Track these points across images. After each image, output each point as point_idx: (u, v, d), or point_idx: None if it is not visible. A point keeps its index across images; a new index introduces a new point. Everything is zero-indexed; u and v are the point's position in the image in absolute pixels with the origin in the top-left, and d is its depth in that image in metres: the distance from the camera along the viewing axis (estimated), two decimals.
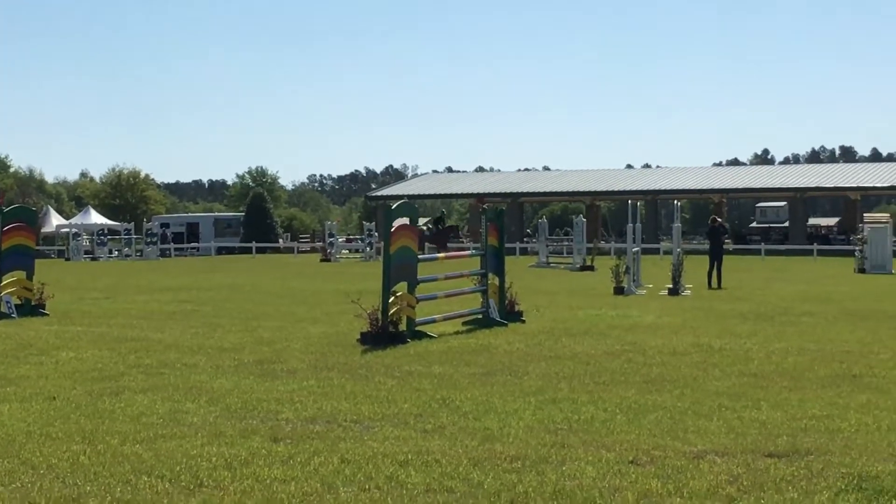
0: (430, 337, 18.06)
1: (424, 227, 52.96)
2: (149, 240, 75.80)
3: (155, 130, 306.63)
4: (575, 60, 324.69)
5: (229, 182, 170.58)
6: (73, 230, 75.25)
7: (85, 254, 72.64)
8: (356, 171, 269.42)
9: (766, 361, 15.03)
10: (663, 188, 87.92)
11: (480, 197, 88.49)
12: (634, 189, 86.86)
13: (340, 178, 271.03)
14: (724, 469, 8.26)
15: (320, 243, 77.28)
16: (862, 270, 46.01)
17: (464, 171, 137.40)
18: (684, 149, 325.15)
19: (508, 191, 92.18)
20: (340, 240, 77.66)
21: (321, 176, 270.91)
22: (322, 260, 64.57)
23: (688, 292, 30.39)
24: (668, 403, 11.49)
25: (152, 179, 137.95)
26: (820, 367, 14.34)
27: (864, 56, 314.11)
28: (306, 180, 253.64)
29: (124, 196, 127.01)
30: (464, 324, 20.34)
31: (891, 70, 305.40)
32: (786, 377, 13.49)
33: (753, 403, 11.44)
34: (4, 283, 23.42)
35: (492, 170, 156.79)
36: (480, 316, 20.78)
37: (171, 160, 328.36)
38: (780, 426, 10.12)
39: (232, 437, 9.74)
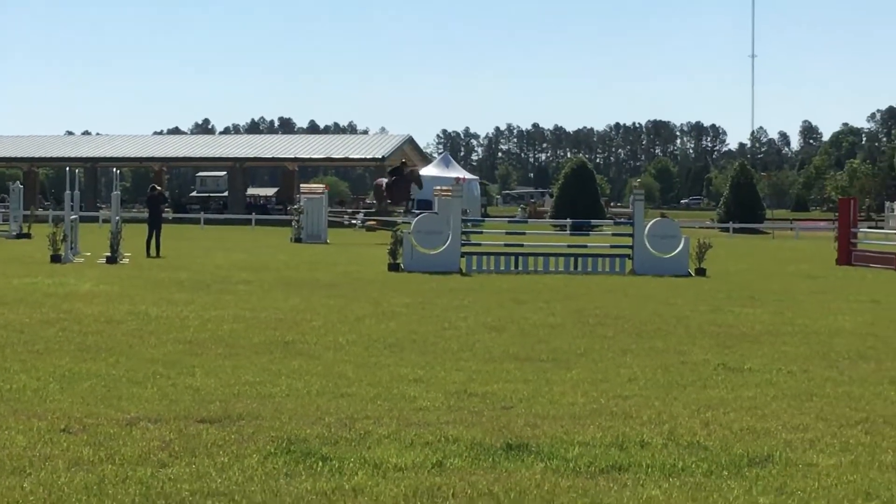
0: None
1: (385, 180, 48.40)
2: None
3: None
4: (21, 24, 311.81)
5: None
6: None
7: None
8: None
9: (201, 329, 15.20)
10: (103, 156, 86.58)
11: None
12: (74, 156, 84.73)
13: None
14: (156, 435, 8.28)
15: None
16: (299, 240, 47.49)
17: None
18: (125, 116, 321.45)
19: None
20: None
21: None
22: None
23: (126, 260, 30.12)
24: (102, 371, 11.38)
25: None
26: (254, 335, 14.70)
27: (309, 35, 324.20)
28: None
29: None
30: None
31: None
32: (221, 344, 13.73)
33: (188, 370, 11.56)
34: None
35: None
36: None
37: None
38: (214, 392, 10.29)
39: None
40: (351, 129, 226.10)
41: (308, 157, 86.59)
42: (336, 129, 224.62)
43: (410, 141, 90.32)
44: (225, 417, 9.01)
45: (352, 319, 16.72)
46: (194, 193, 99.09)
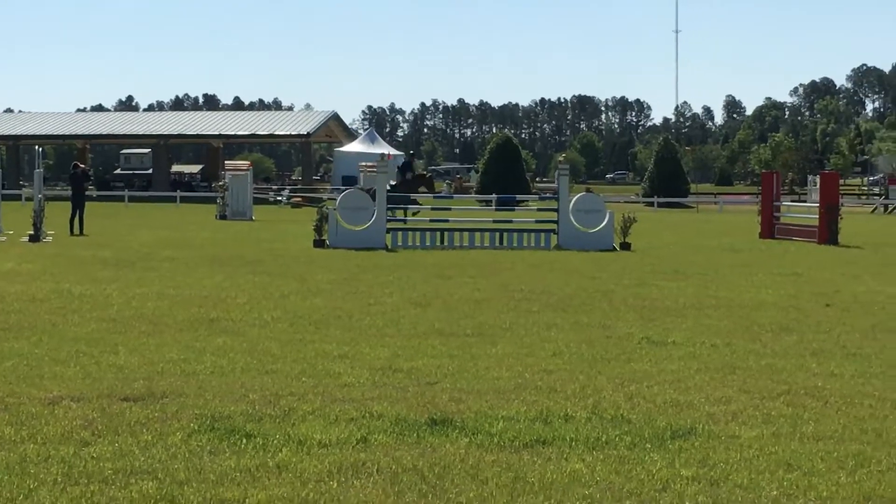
0: None
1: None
2: None
3: None
4: None
5: None
6: None
7: None
8: None
9: (125, 307, 15.06)
10: (26, 133, 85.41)
11: None
12: None
13: None
14: (79, 414, 8.21)
15: None
16: (224, 217, 47.25)
17: None
18: (47, 94, 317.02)
19: None
20: None
21: None
22: None
23: (49, 239, 29.77)
24: (24, 350, 11.24)
25: None
26: (178, 312, 14.58)
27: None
28: None
29: None
30: None
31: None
32: (144, 322, 13.60)
33: (111, 348, 11.44)
34: None
35: None
36: None
37: None
38: (137, 370, 10.20)
39: None
40: (276, 106, 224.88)
41: (233, 133, 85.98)
42: (261, 106, 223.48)
43: (336, 117, 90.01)
44: (148, 395, 8.94)
45: (276, 296, 16.64)
46: (118, 171, 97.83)
